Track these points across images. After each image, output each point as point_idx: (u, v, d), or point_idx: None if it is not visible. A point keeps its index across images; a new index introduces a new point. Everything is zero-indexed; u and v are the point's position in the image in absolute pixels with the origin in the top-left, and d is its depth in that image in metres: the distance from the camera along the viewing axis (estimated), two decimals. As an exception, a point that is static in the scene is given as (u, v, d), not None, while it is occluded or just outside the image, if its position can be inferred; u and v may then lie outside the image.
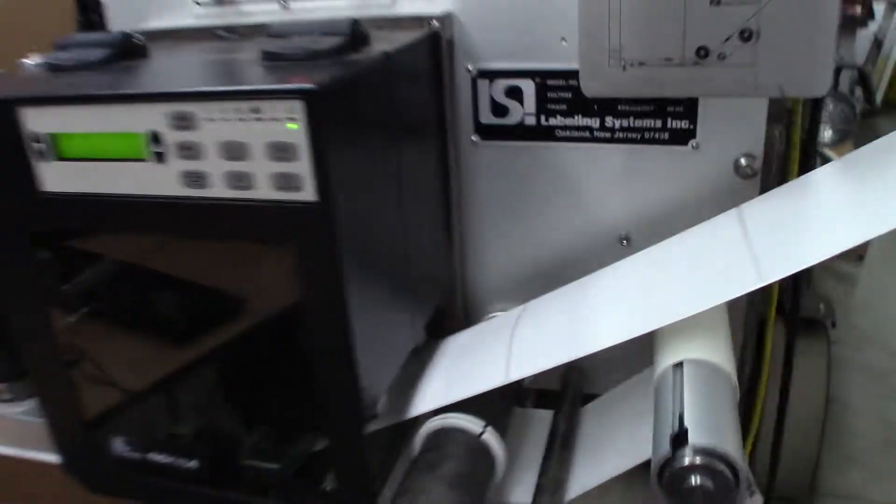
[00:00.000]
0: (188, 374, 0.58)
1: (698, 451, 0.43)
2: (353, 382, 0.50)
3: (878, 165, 0.48)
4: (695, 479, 0.43)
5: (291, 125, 0.43)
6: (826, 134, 1.63)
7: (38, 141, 0.49)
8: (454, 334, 0.67)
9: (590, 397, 0.71)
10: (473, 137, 0.66)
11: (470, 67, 0.64)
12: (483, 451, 0.56)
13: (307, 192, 0.44)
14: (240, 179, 0.46)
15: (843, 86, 1.83)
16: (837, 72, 1.49)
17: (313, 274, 0.47)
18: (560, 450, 0.62)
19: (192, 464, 0.59)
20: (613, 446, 0.61)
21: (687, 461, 0.43)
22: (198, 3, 0.68)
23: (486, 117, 0.65)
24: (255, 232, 0.47)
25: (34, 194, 0.51)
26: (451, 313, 0.72)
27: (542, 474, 0.60)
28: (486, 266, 0.71)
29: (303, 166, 0.44)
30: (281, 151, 0.44)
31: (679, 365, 0.50)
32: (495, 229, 0.69)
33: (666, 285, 0.53)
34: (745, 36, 0.43)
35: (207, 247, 0.52)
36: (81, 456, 0.63)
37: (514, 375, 0.55)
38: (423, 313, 0.64)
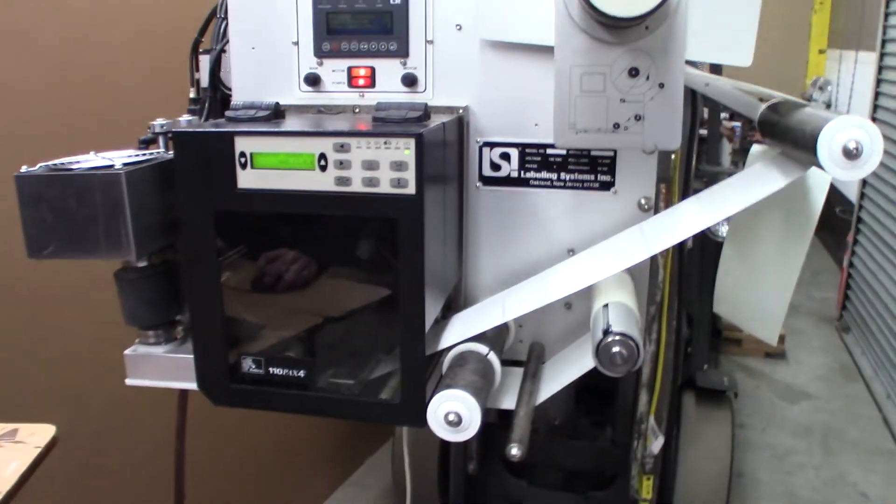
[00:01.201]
0: (302, 315, 0.97)
1: (617, 333, 0.85)
2: (421, 320, 0.91)
3: (716, 193, 0.94)
4: (615, 349, 0.85)
5: (407, 151, 0.86)
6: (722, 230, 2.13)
7: (242, 156, 0.90)
8: (460, 312, 1.08)
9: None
10: (477, 184, 1.09)
11: (478, 139, 1.08)
12: (488, 364, 0.96)
13: (410, 189, 0.86)
14: (371, 182, 0.87)
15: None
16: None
17: (407, 238, 0.88)
18: (531, 378, 1.03)
19: (301, 373, 0.97)
20: (564, 371, 1.02)
21: (610, 339, 0.85)
22: (301, 90, 1.11)
23: (486, 171, 1.09)
24: (377, 212, 0.88)
25: (233, 190, 0.91)
26: (456, 303, 1.13)
27: (521, 389, 1.01)
28: (481, 270, 1.12)
29: (409, 174, 0.86)
30: (398, 166, 0.86)
31: (606, 305, 0.93)
32: (488, 244, 1.11)
33: (596, 261, 0.97)
34: (637, 118, 0.88)
35: (328, 224, 0.92)
36: (217, 377, 0.99)
37: (508, 316, 0.96)
38: (443, 294, 1.05)
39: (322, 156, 0.88)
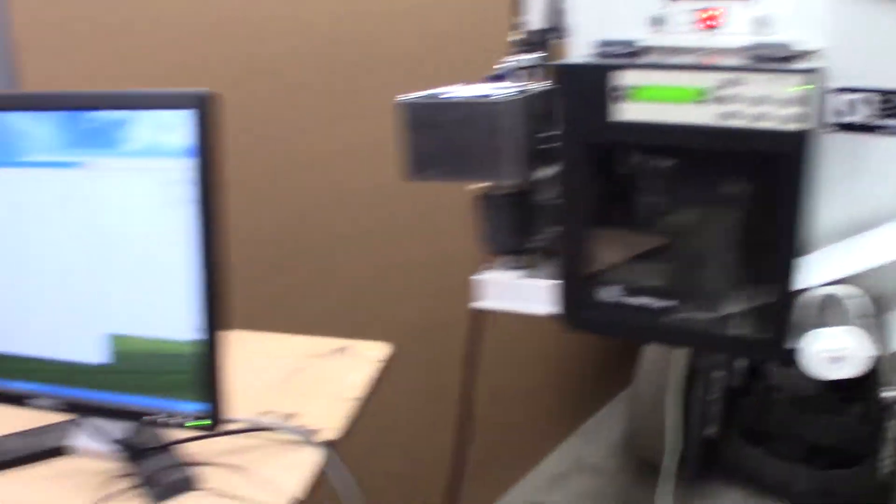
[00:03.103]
0: (664, 248, 1.02)
1: None
2: (794, 257, 0.94)
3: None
4: None
5: (797, 88, 0.87)
6: None
7: (623, 90, 0.95)
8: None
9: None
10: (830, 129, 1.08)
11: (832, 84, 1.07)
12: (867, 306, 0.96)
13: (800, 125, 0.88)
14: (758, 117, 0.89)
15: None
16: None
17: (793, 174, 0.90)
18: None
19: (659, 304, 1.01)
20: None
21: None
22: (644, 31, 1.14)
23: (840, 117, 1.08)
24: (763, 147, 0.91)
25: (604, 122, 0.96)
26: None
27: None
28: (821, 216, 1.08)
29: (800, 110, 0.87)
30: (787, 102, 0.88)
31: None
32: (833, 191, 1.07)
33: None
34: None
35: (702, 159, 0.95)
36: (575, 303, 1.05)
37: (876, 261, 0.96)
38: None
39: (706, 90, 0.91)
